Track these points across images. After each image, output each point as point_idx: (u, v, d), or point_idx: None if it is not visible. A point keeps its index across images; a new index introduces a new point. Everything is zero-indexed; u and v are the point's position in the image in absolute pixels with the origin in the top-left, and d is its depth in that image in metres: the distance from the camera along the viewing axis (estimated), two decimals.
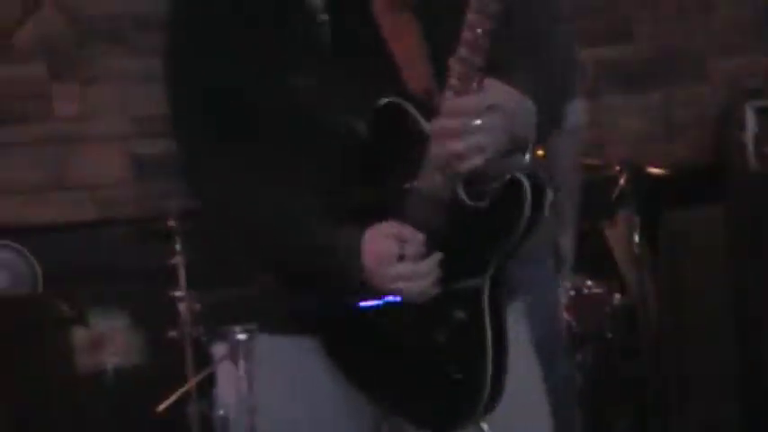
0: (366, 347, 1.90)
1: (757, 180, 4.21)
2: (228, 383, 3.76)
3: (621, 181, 3.92)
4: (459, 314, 1.82)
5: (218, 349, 3.56)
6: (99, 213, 4.36)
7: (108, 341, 4.30)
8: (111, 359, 4.29)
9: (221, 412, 3.55)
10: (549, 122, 1.83)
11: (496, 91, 1.72)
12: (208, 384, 3.67)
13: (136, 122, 4.40)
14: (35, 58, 4.32)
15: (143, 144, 4.39)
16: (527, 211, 1.75)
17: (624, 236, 4.15)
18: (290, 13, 1.85)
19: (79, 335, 4.25)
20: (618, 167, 3.95)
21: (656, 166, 4.08)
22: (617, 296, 4.02)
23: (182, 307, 3.78)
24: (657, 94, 4.61)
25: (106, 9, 4.37)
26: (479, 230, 1.80)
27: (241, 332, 3.89)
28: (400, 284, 1.82)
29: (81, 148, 4.38)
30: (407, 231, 1.81)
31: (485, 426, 1.84)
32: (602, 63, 4.44)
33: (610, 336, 4.00)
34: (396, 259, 1.81)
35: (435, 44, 1.82)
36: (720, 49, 4.66)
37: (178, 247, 3.78)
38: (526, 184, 1.75)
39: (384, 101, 1.81)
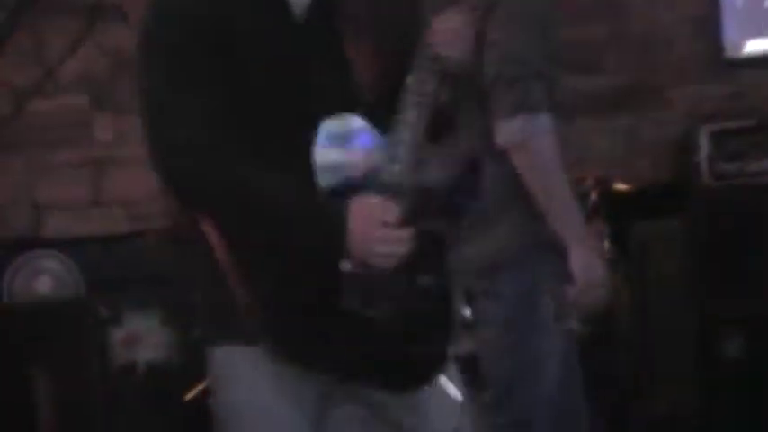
0: (328, 323, 1.84)
1: (711, 196, 4.23)
2: None
3: (593, 195, 3.94)
4: (424, 280, 1.88)
5: None
6: (132, 226, 4.42)
7: (140, 339, 4.33)
8: (144, 355, 4.32)
9: None
10: None
11: None
12: None
13: None
14: (77, 91, 4.38)
15: None
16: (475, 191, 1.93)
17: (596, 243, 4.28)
18: (281, 24, 1.90)
19: (115, 333, 4.28)
20: (590, 183, 3.97)
21: (623, 183, 4.19)
22: None
23: None
24: (624, 120, 4.60)
25: None
26: (435, 207, 1.90)
27: None
28: (383, 248, 1.82)
29: (116, 168, 4.42)
30: (388, 201, 1.84)
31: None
32: (577, 92, 4.40)
33: (587, 331, 4.16)
34: (382, 223, 1.82)
35: (384, 65, 1.94)
36: (679, 79, 4.64)
37: None
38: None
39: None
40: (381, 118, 1.90)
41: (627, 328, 4.33)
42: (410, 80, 1.90)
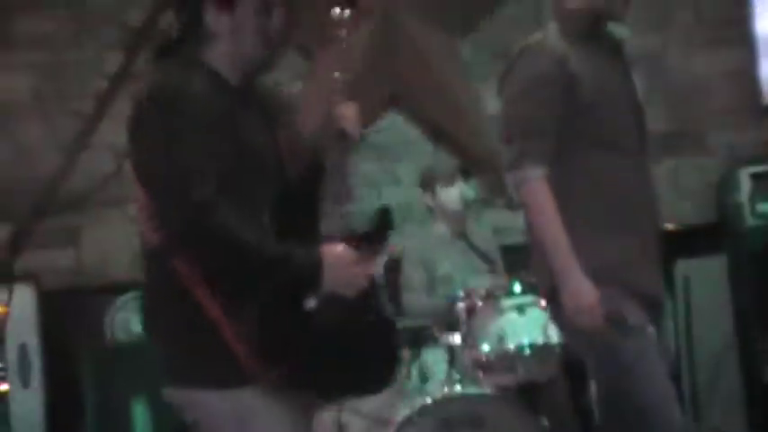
0: (308, 348, 2.15)
1: (752, 233, 4.35)
2: None
3: None
4: (372, 300, 2.26)
5: None
6: None
7: None
8: None
9: None
10: None
11: None
12: None
13: None
14: None
15: None
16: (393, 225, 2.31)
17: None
18: (251, 114, 2.28)
19: None
20: None
21: (668, 223, 4.18)
22: None
23: None
24: (668, 164, 4.70)
25: None
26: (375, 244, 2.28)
27: None
28: (360, 281, 2.21)
29: None
30: (350, 246, 2.23)
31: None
32: None
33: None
34: (350, 262, 2.20)
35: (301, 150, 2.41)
36: (718, 126, 4.78)
37: None
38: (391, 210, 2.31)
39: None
40: (303, 190, 2.35)
41: (676, 355, 4.47)
42: (331, 158, 2.38)
